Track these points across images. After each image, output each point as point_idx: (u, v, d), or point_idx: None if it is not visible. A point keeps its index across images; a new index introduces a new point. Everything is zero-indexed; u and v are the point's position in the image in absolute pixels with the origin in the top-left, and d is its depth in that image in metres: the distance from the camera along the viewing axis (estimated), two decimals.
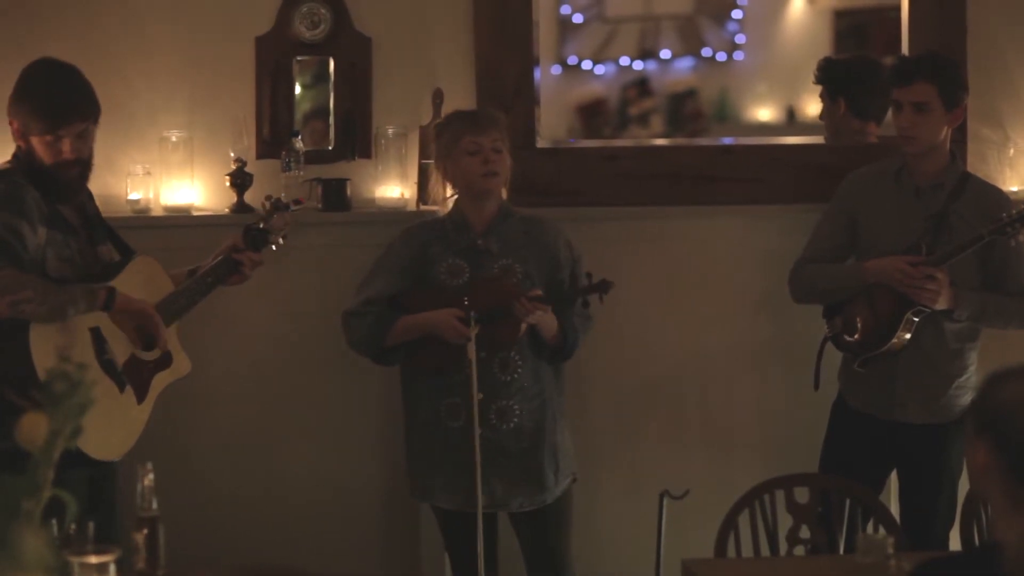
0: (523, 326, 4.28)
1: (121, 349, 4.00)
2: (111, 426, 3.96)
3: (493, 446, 4.30)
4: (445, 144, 4.38)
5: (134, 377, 4.03)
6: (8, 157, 4.08)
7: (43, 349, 3.80)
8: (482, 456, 4.21)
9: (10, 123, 4.01)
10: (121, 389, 3.99)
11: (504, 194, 4.41)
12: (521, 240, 4.40)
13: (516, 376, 4.35)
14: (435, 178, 4.47)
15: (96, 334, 3.93)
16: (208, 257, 4.28)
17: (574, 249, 4.45)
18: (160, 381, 4.12)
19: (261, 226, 4.31)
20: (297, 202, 4.44)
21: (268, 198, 4.43)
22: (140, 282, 4.05)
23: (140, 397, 4.06)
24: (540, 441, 4.38)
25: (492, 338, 4.25)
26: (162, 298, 4.10)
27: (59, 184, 3.99)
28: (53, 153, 3.96)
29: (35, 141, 3.96)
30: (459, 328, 4.22)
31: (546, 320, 4.30)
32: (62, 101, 3.97)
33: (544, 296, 4.27)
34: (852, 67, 5.32)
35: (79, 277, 3.95)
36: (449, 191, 4.44)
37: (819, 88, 5.26)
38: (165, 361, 4.12)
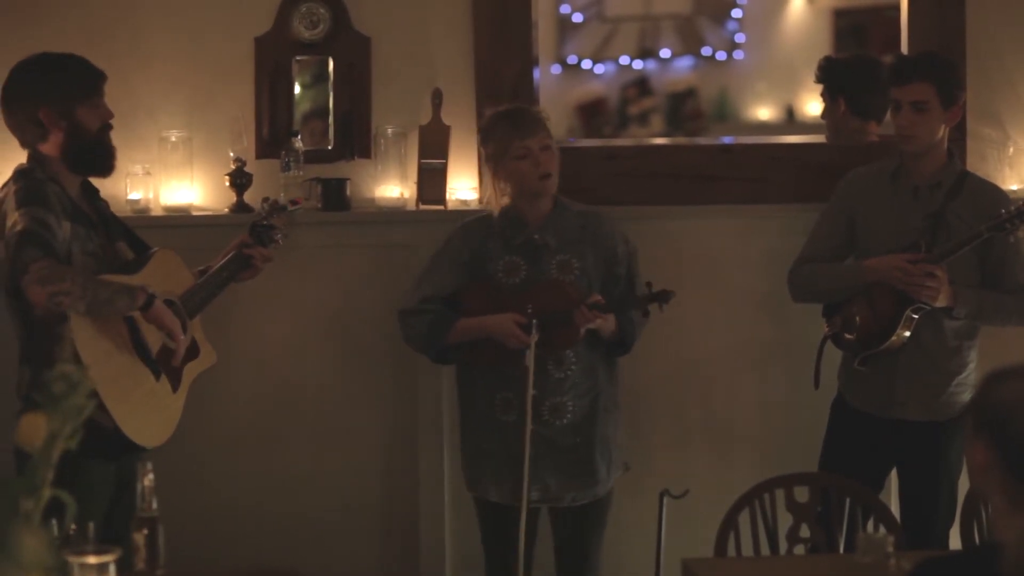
0: (582, 331, 4.29)
1: (154, 338, 4.01)
2: (150, 413, 4.00)
3: (546, 442, 4.31)
4: (493, 151, 4.36)
5: (167, 366, 4.05)
6: (9, 167, 4.10)
7: (85, 336, 3.81)
8: (535, 452, 4.23)
9: (36, 118, 4.00)
10: (157, 378, 4.02)
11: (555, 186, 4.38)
12: (578, 235, 4.39)
13: (570, 372, 4.35)
14: (488, 180, 4.42)
15: (131, 323, 3.94)
16: (214, 257, 4.29)
17: (630, 243, 4.46)
18: (190, 371, 4.15)
19: (265, 222, 4.33)
20: (294, 202, 4.45)
21: (265, 200, 4.44)
22: (165, 275, 4.08)
23: (174, 386, 4.09)
24: (592, 435, 4.38)
25: (551, 342, 4.26)
26: (183, 291, 4.13)
27: (109, 150, 4.08)
28: (99, 116, 4.06)
29: (82, 112, 4.02)
30: (520, 336, 4.23)
31: (605, 324, 4.31)
32: (89, 65, 4.07)
33: (604, 305, 4.28)
34: (852, 66, 5.31)
35: (103, 271, 3.97)
36: (504, 192, 4.38)
37: (819, 87, 5.26)
38: (193, 351, 4.14)
